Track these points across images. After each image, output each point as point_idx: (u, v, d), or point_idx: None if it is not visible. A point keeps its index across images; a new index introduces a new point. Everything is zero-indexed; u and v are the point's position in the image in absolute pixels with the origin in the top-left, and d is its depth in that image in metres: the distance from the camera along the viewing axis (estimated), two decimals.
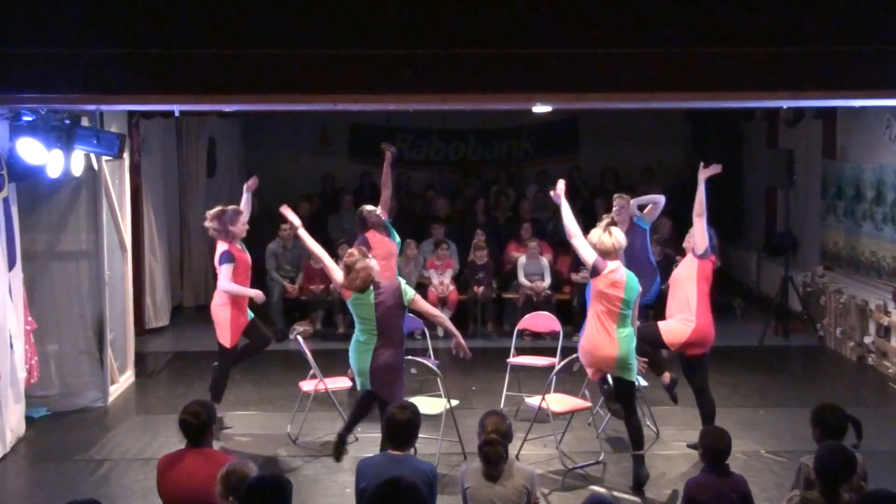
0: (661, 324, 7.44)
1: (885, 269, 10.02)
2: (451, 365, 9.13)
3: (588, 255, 6.68)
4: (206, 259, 13.19)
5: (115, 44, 6.13)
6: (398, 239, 9.08)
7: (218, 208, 8.05)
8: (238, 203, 8.21)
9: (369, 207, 8.96)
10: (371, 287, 6.44)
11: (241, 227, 7.99)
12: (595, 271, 6.62)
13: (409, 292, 6.52)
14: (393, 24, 6.09)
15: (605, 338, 6.63)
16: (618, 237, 6.71)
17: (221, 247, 7.92)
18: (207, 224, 7.98)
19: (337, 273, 6.67)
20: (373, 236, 8.81)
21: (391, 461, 4.83)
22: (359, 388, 6.74)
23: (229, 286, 7.82)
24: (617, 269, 6.65)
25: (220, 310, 7.90)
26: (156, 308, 11.73)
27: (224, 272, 7.81)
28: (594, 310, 6.70)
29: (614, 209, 8.39)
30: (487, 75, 6.20)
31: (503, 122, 14.79)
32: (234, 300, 7.89)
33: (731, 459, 5.01)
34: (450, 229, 12.56)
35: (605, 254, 6.67)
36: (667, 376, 7.38)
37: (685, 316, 7.23)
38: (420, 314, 6.91)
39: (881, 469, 5.81)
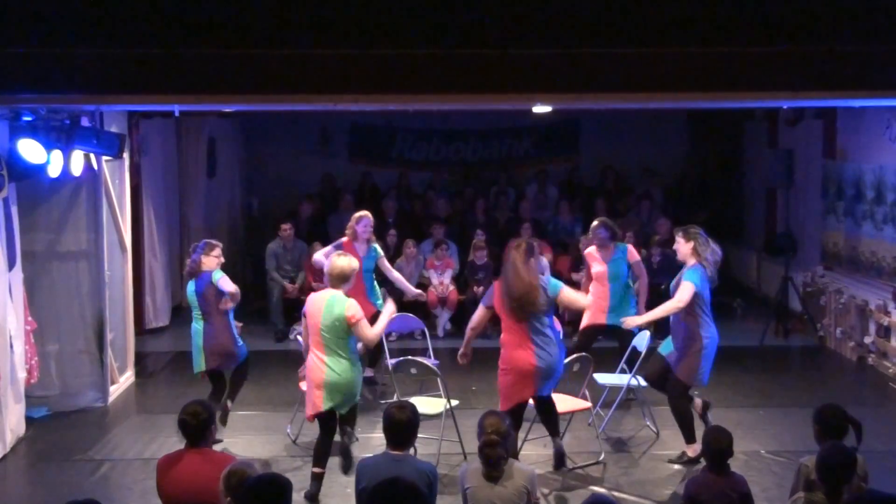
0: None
1: (885, 269, 10.01)
2: (451, 365, 9.11)
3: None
4: None
5: (115, 44, 6.12)
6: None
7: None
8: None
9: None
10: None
11: (363, 228, 8.82)
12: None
13: (217, 275, 7.48)
14: (393, 24, 6.09)
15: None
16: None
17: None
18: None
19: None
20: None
21: (391, 461, 4.83)
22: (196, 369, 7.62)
23: (318, 256, 8.62)
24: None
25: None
26: (156, 308, 11.72)
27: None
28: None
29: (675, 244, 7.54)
30: (487, 75, 6.19)
31: (503, 122, 14.77)
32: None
33: (731, 459, 5.01)
34: (450, 229, 12.56)
35: (344, 280, 6.40)
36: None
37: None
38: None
39: (881, 469, 5.81)
